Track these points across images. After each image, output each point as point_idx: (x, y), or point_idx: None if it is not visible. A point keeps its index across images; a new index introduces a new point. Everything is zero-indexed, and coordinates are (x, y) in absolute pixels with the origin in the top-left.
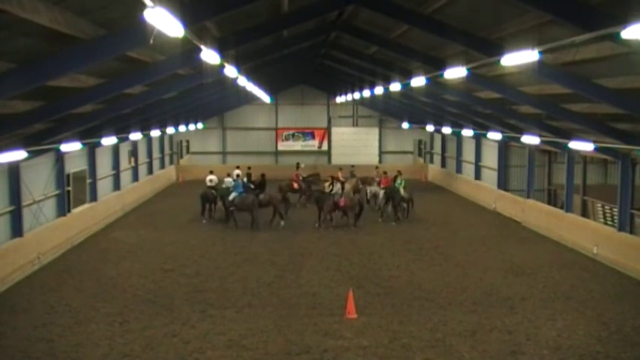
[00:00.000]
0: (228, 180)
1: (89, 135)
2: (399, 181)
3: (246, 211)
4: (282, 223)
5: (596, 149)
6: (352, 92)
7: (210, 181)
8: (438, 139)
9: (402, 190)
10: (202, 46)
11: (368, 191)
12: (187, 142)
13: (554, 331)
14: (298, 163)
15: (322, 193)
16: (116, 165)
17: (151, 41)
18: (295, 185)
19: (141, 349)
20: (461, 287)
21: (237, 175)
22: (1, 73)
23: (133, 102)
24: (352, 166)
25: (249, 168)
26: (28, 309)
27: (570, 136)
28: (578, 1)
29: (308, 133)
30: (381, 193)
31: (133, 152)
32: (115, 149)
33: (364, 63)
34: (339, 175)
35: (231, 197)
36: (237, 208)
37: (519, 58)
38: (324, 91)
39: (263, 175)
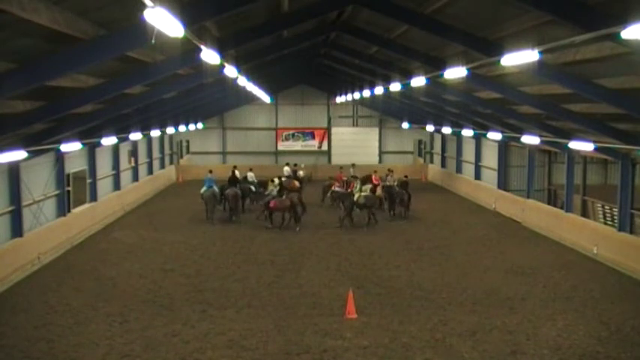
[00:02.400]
0: (251, 175)
1: (89, 135)
2: (356, 185)
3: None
4: (234, 218)
5: (596, 149)
6: (352, 92)
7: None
8: (438, 139)
9: (356, 196)
10: (202, 46)
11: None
12: (187, 142)
13: (554, 331)
14: (354, 165)
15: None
16: (116, 165)
17: (153, 41)
18: (337, 186)
19: (141, 349)
20: (461, 287)
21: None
22: (1, 73)
23: (133, 102)
24: (389, 169)
25: (295, 165)
26: (28, 309)
27: (570, 136)
28: (578, 1)
29: (308, 133)
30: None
31: (133, 152)
32: (115, 149)
33: (364, 63)
34: (373, 177)
35: (202, 191)
36: (204, 200)
37: (519, 58)
38: (324, 91)
39: (234, 170)
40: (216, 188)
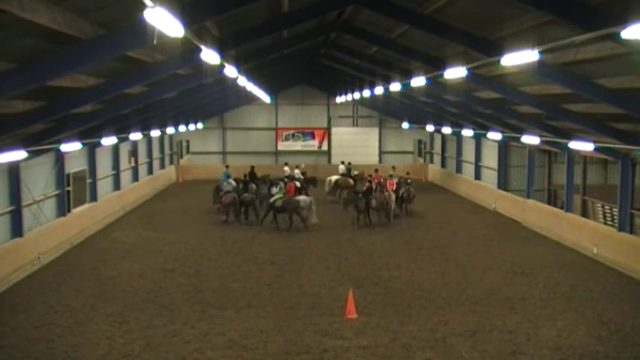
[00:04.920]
0: (297, 172)
1: (89, 135)
2: (278, 187)
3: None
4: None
5: (596, 149)
6: (352, 92)
7: (284, 171)
8: (438, 139)
9: (273, 197)
10: (202, 46)
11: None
12: (187, 142)
13: (554, 331)
14: (394, 167)
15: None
16: (116, 165)
17: (154, 42)
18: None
19: (141, 349)
20: (461, 287)
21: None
22: (1, 73)
23: (133, 102)
24: (407, 173)
25: (349, 163)
26: (28, 309)
27: (570, 136)
28: (578, 1)
29: (308, 133)
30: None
31: (133, 152)
32: (115, 149)
33: (364, 63)
34: (389, 181)
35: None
36: (212, 191)
37: (519, 58)
38: (324, 91)
39: (252, 167)
40: (232, 181)
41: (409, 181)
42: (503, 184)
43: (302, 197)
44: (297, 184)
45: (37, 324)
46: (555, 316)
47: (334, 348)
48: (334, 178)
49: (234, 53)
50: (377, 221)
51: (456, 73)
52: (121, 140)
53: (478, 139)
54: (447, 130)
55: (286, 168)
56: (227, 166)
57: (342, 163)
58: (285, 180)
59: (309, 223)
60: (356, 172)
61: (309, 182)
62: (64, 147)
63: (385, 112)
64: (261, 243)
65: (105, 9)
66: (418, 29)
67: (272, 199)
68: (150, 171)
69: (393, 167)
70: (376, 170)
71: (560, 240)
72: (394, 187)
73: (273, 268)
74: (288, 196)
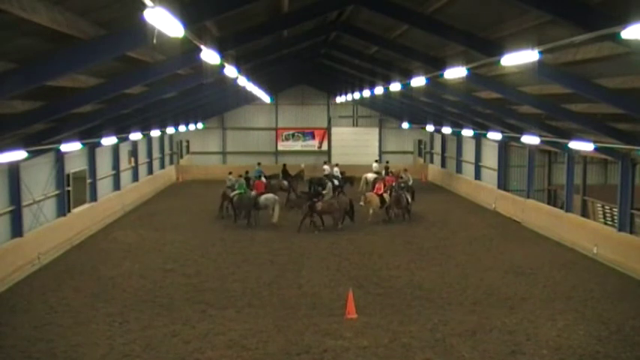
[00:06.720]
0: (336, 170)
1: (89, 135)
2: (239, 184)
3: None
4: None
5: (596, 149)
6: (352, 92)
7: (324, 169)
8: (438, 139)
9: (233, 193)
10: (202, 46)
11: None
12: (187, 142)
13: (554, 331)
14: (405, 169)
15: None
16: (116, 165)
17: (154, 41)
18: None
19: (141, 349)
20: (461, 287)
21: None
22: (1, 73)
23: (133, 102)
24: (405, 170)
25: (387, 162)
26: (28, 309)
27: (570, 136)
28: (578, 1)
29: (308, 133)
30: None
31: (133, 152)
32: (115, 149)
33: (364, 63)
34: (378, 188)
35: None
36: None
37: (519, 58)
38: (324, 91)
39: (284, 165)
40: (263, 179)
41: (402, 185)
42: (503, 184)
43: (266, 195)
44: (336, 182)
45: (37, 324)
46: (555, 316)
47: (334, 348)
48: (371, 176)
49: (234, 53)
50: (371, 222)
51: (456, 73)
52: (121, 140)
53: (478, 139)
54: (447, 130)
55: (326, 167)
56: (259, 164)
57: (376, 161)
58: (324, 179)
59: (274, 221)
60: (392, 171)
61: (347, 181)
62: (64, 147)
63: (385, 112)
64: (261, 243)
65: (105, 9)
66: (418, 29)
67: (232, 194)
68: (150, 171)
69: (405, 169)
70: (392, 172)
71: (560, 240)
72: (381, 191)
73: (273, 268)
74: (249, 194)
